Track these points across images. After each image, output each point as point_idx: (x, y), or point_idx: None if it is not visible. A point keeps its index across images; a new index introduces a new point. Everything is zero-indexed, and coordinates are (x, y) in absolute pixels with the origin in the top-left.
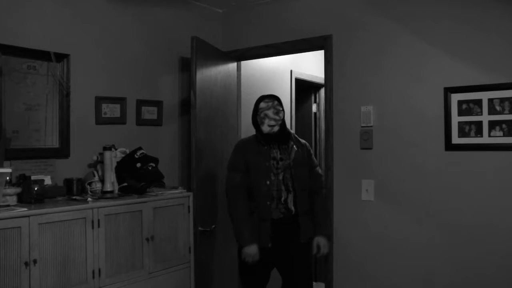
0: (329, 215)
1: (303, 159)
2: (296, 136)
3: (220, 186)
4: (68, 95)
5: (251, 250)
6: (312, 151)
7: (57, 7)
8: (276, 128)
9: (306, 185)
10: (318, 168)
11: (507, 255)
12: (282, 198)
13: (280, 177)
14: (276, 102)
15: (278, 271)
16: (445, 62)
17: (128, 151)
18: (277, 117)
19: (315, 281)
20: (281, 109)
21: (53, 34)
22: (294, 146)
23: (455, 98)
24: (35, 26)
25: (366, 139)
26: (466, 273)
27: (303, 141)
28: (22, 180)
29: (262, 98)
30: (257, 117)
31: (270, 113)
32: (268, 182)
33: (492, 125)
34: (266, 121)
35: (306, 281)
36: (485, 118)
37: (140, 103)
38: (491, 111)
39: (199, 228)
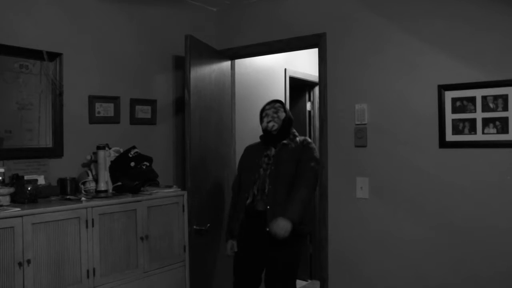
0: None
1: (287, 156)
2: (296, 134)
3: (215, 185)
4: (61, 94)
5: (227, 245)
6: (312, 146)
7: (49, 6)
8: (271, 124)
9: (284, 179)
10: (311, 163)
11: (502, 252)
12: (266, 190)
13: (268, 172)
14: (278, 104)
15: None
16: (439, 60)
17: (122, 150)
18: (275, 115)
19: (310, 278)
20: (281, 109)
21: (46, 33)
22: (284, 142)
23: (449, 95)
24: (28, 25)
25: (360, 137)
26: (461, 271)
27: (301, 138)
28: (15, 180)
29: (268, 103)
30: (260, 118)
31: (270, 112)
32: (256, 175)
33: (486, 122)
34: (265, 118)
35: (280, 273)
36: (479, 115)
37: (134, 102)
38: (485, 108)
39: (194, 227)
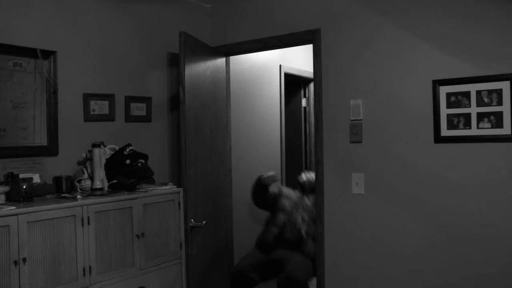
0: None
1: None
2: None
3: (210, 181)
4: (55, 92)
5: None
6: None
7: (43, 3)
8: (307, 179)
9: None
10: None
11: (499, 248)
12: (296, 224)
13: (301, 214)
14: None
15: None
16: (433, 55)
17: (117, 148)
18: (309, 176)
19: None
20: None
21: (39, 31)
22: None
23: (444, 90)
24: (21, 22)
25: (355, 132)
26: (456, 266)
27: None
28: (10, 179)
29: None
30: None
31: (309, 174)
32: (290, 216)
33: (481, 117)
34: (305, 175)
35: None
36: (474, 110)
37: (129, 99)
38: (479, 103)
39: (190, 224)
